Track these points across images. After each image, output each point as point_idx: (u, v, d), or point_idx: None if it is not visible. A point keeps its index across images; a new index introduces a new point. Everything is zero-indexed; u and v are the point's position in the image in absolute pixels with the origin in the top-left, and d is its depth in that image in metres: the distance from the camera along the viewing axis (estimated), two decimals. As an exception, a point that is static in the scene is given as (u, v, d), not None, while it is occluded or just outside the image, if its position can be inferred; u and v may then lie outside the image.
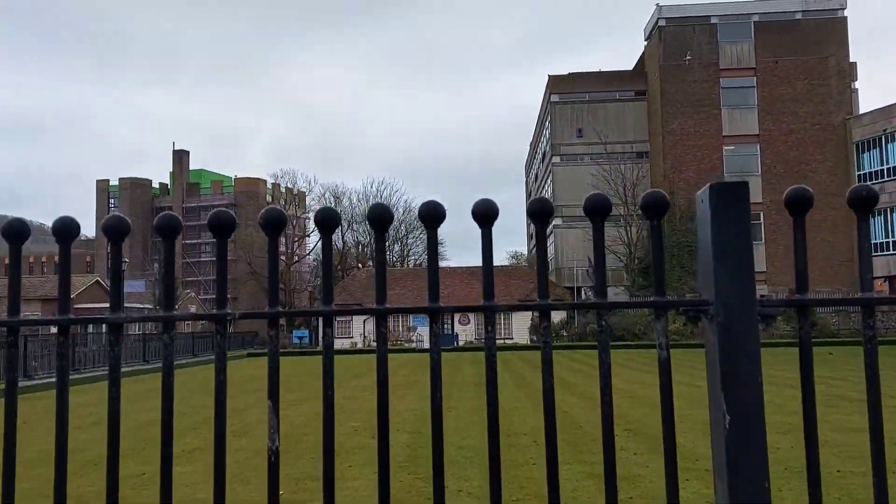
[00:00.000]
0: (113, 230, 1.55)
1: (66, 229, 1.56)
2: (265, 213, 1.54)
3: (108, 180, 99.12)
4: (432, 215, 1.53)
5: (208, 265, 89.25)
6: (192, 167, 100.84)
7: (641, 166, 52.75)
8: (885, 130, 47.87)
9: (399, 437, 10.63)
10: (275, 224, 1.52)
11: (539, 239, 1.59)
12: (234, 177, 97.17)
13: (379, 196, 79.79)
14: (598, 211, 1.52)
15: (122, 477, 8.06)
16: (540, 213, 1.53)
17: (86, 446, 10.08)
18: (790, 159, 49.71)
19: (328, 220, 1.53)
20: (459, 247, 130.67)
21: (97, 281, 57.64)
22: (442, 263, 71.28)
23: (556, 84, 56.98)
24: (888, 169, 47.15)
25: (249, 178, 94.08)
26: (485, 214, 1.53)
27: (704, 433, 10.05)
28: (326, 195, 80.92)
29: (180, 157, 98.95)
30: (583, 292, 51.24)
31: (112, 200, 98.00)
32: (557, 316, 46.03)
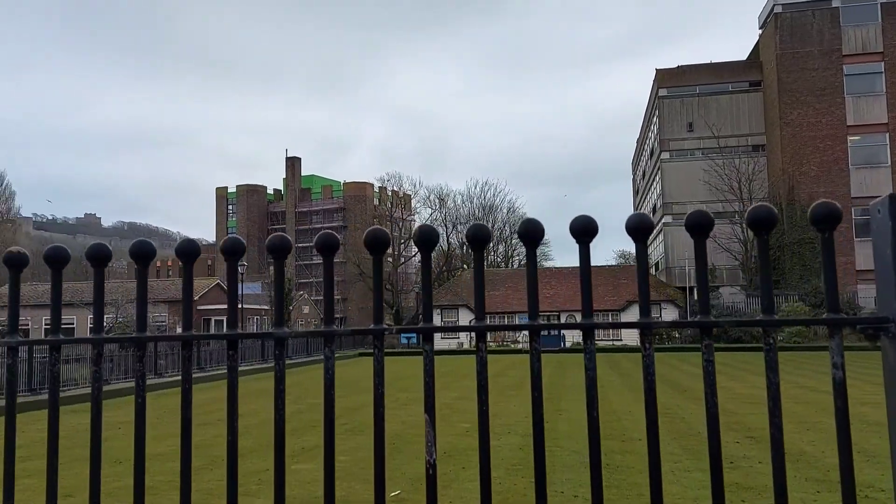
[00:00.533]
0: (229, 251, 1.70)
1: (189, 251, 1.70)
2: (370, 233, 1.61)
3: (227, 187, 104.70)
4: (531, 232, 1.54)
5: (319, 267, 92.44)
6: (303, 173, 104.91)
7: (757, 160, 50.24)
8: None
9: (510, 439, 10.67)
10: (380, 243, 1.58)
11: (583, 256, 1.57)
12: (342, 181, 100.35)
13: (483, 197, 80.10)
14: (701, 226, 1.48)
15: (247, 472, 8.56)
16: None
17: (214, 441, 10.73)
18: (925, 148, 45.99)
19: (426, 238, 1.59)
20: (562, 246, 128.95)
21: (217, 284, 61.02)
22: (547, 263, 70.64)
23: (665, 78, 55.22)
24: None
25: (357, 182, 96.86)
26: (583, 231, 1.53)
27: (834, 442, 9.49)
28: (431, 197, 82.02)
29: (293, 163, 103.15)
30: (696, 293, 49.38)
31: (230, 206, 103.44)
32: (669, 316, 44.59)
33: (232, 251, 1.69)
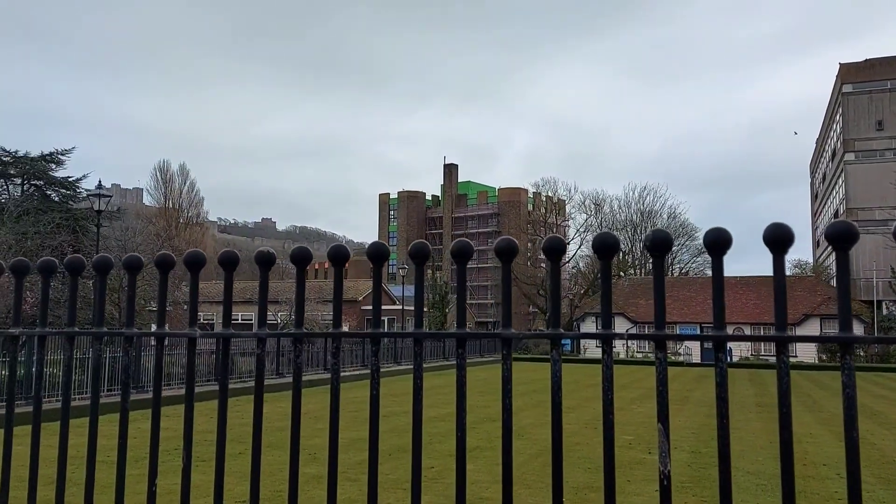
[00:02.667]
0: (374, 254, 1.82)
1: (379, 253, 1.82)
2: (455, 244, 1.71)
3: (388, 193, 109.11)
4: (719, 242, 1.49)
5: (472, 272, 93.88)
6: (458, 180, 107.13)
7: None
8: None
9: (678, 455, 10.21)
10: (465, 253, 1.69)
11: (604, 275, 1.53)
12: (497, 187, 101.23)
13: (641, 203, 77.45)
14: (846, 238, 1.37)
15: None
16: (660, 248, 1.35)
17: (381, 437, 11.18)
18: None
19: (462, 252, 1.56)
20: (738, 251, 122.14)
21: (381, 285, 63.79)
22: (710, 271, 66.76)
23: (849, 73, 50.59)
24: None
25: (512, 188, 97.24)
26: (715, 243, 1.47)
27: None
28: (587, 202, 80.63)
29: (450, 170, 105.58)
30: (884, 306, 44.77)
31: (392, 211, 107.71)
32: (855, 330, 40.62)
33: (376, 256, 1.82)
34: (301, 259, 1.90)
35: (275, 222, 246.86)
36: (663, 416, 1.53)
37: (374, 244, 1.82)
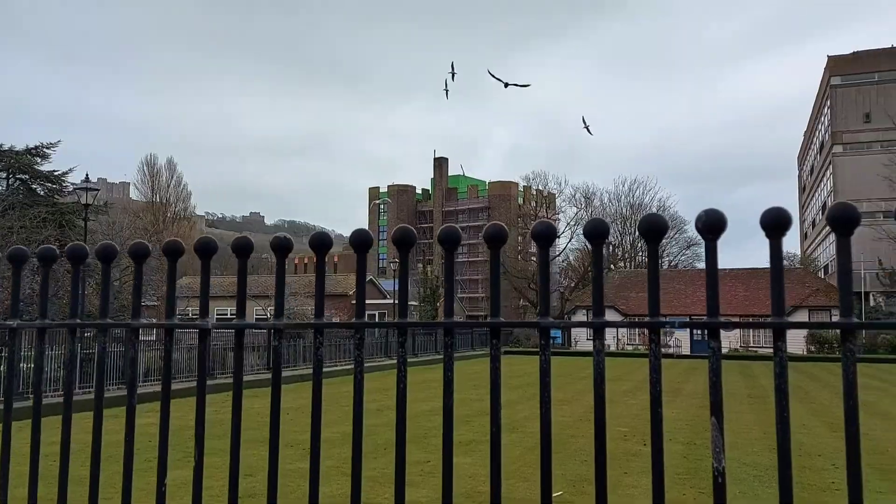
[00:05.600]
0: (357, 242, 1.74)
1: (361, 240, 1.74)
2: (443, 230, 1.63)
3: (378, 187, 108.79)
4: (715, 224, 1.43)
5: (463, 265, 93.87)
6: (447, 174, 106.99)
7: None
8: None
9: (672, 446, 10.16)
10: (453, 239, 1.60)
11: (596, 261, 1.48)
12: (487, 181, 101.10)
13: (631, 196, 77.60)
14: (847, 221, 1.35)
15: (409, 463, 8.63)
16: (655, 233, 1.25)
17: (374, 431, 11.07)
18: None
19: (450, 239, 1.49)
20: (725, 244, 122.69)
21: (370, 280, 63.56)
22: (699, 264, 67.15)
23: (837, 65, 50.77)
24: None
25: (502, 181, 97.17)
26: (710, 225, 1.40)
27: None
28: (577, 196, 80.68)
29: (440, 164, 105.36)
30: (871, 297, 45.03)
31: (381, 206, 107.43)
32: (839, 325, 40.84)
33: (360, 243, 1.74)
34: (321, 244, 1.80)
35: (263, 217, 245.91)
36: (717, 409, 1.42)
37: (356, 231, 1.74)
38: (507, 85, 48.52)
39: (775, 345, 1.42)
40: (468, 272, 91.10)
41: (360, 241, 1.72)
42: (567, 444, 10.12)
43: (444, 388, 1.68)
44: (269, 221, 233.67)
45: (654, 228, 1.47)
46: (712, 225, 1.42)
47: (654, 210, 75.70)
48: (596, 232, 1.55)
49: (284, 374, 21.04)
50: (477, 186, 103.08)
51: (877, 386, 20.43)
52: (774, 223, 1.40)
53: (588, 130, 50.97)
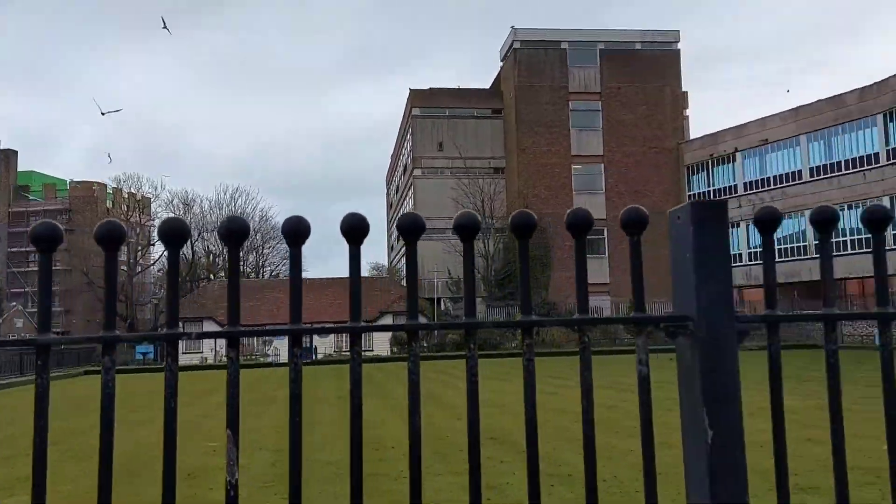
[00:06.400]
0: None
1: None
2: (101, 226, 1.39)
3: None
4: (356, 229, 1.43)
5: (36, 275, 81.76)
6: (19, 169, 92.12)
7: (498, 181, 54.59)
8: (711, 155, 52.73)
9: (262, 455, 10.21)
10: (115, 237, 1.36)
11: (410, 260, 1.50)
12: (69, 180, 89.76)
13: (233, 204, 76.77)
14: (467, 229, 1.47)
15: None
16: (410, 229, 1.42)
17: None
18: (629, 179, 53.36)
19: (175, 233, 1.39)
20: (316, 257, 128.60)
21: None
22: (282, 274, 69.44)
23: (417, 98, 57.75)
24: (714, 190, 51.94)
25: (87, 181, 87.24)
26: (352, 230, 1.42)
27: (566, 439, 10.47)
28: (175, 202, 76.77)
29: (7, 156, 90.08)
30: (442, 303, 51.97)
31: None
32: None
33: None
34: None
35: None
36: (232, 422, 1.34)
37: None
38: (104, 113, 54.67)
39: (352, 349, 1.45)
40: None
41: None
42: (150, 466, 9.41)
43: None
44: None
45: (467, 227, 1.44)
46: (352, 229, 1.41)
47: (258, 220, 76.15)
48: (230, 232, 1.38)
49: None
50: (55, 186, 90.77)
51: (445, 381, 23.55)
52: (348, 228, 1.42)
53: (102, 112, 55.06)
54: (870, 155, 43.86)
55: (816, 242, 1.51)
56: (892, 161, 42.41)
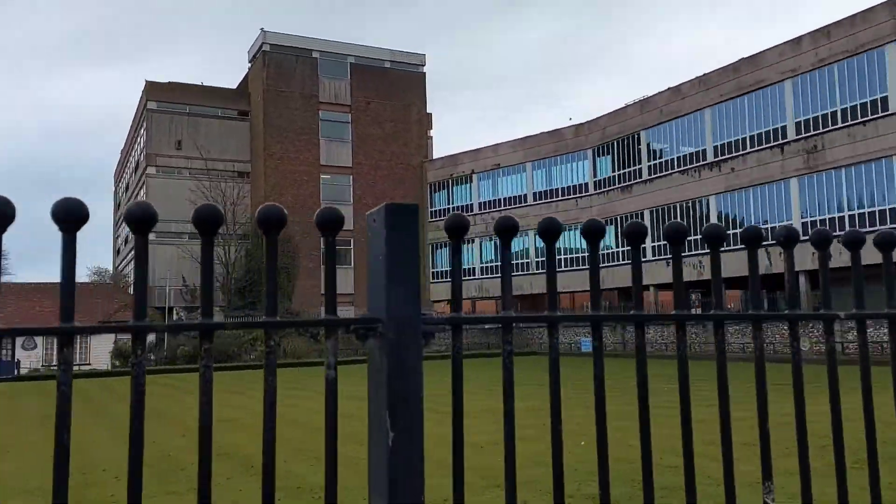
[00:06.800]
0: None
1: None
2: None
3: None
4: (330, 221, 1.38)
5: None
6: None
7: (242, 186, 52.57)
8: (451, 175, 56.17)
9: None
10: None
11: (139, 254, 1.36)
12: None
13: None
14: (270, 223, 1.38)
15: None
16: (141, 219, 1.28)
17: None
18: (377, 192, 54.72)
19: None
20: (27, 260, 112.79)
21: None
22: (5, 279, 60.30)
23: (154, 91, 53.54)
24: (454, 208, 55.32)
25: None
26: (68, 216, 1.29)
27: (297, 450, 10.25)
28: None
29: None
30: (174, 312, 48.51)
31: None
32: (148, 338, 42.54)
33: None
34: None
35: None
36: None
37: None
38: None
39: (60, 354, 1.34)
40: None
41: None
42: None
43: None
44: None
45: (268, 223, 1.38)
46: (140, 220, 1.31)
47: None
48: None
49: None
50: None
51: (172, 395, 21.88)
52: (62, 213, 1.29)
53: None
54: (581, 184, 50.02)
55: (539, 259, 1.58)
56: (599, 190, 48.77)
